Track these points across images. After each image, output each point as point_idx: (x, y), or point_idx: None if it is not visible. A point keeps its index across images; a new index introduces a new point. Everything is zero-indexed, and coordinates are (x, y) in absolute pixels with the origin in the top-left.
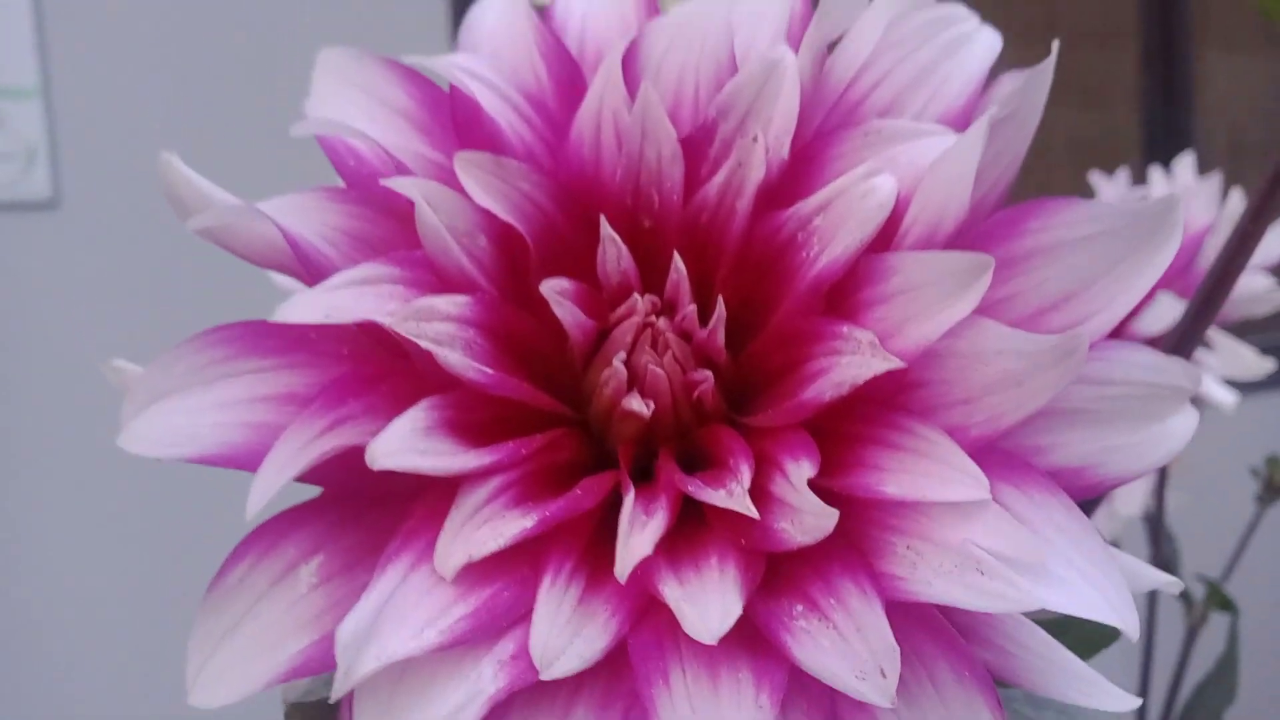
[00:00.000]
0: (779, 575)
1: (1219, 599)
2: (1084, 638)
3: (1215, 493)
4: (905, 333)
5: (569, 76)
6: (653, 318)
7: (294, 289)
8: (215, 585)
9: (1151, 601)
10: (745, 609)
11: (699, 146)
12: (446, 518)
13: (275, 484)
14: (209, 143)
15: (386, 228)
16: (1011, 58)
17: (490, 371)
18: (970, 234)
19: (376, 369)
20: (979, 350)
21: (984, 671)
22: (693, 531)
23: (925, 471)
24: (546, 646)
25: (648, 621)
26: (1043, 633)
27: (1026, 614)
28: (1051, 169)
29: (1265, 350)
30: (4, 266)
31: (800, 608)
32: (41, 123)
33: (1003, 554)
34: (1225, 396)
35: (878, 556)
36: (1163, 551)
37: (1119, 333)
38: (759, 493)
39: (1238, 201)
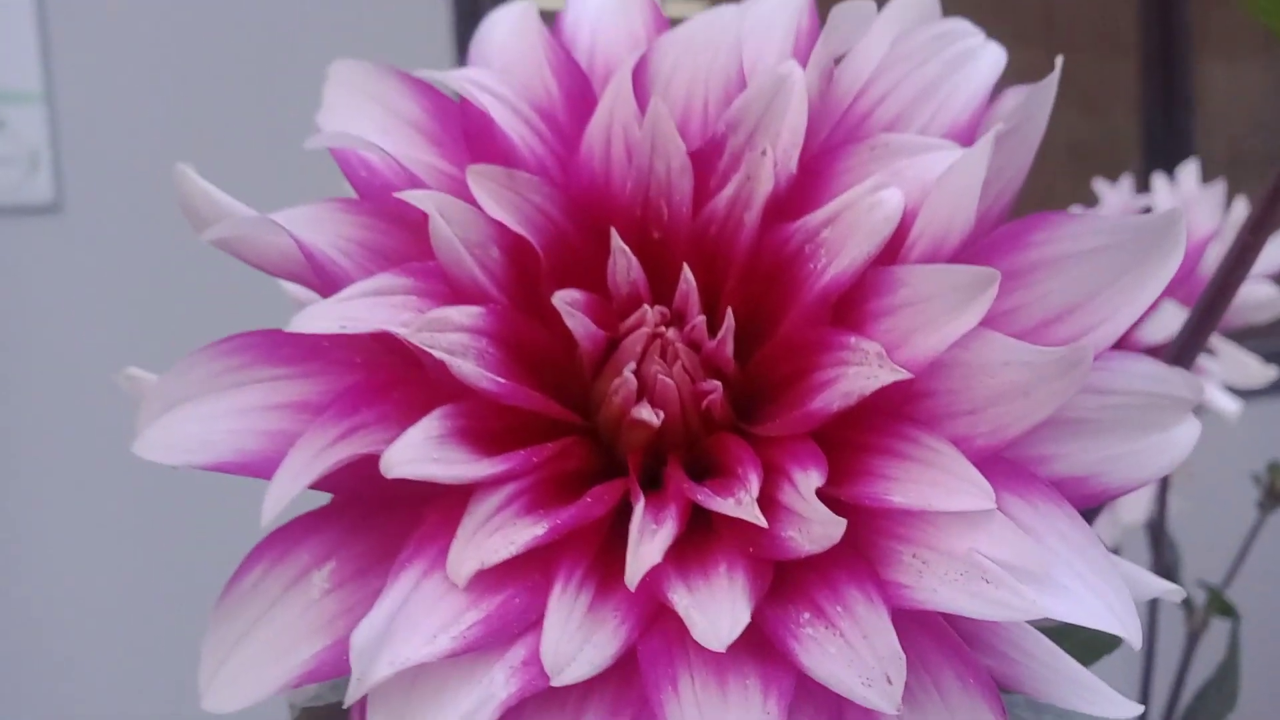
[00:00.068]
0: (786, 583)
1: (1220, 605)
2: (1085, 644)
3: (1217, 498)
4: (912, 344)
5: (579, 90)
6: (662, 328)
7: (305, 297)
8: (229, 591)
9: (1153, 607)
10: (753, 616)
11: (708, 160)
12: (459, 525)
13: (290, 492)
14: (212, 148)
15: (399, 238)
16: (1012, 62)
17: (502, 381)
18: (975, 246)
19: (389, 377)
20: (985, 361)
21: (988, 678)
22: (701, 539)
23: (932, 481)
24: (557, 653)
25: (657, 628)
26: (1046, 640)
27: (1030, 621)
28: (1052, 174)
29: (1267, 356)
30: (7, 270)
31: (807, 615)
32: (45, 127)
33: (1008, 563)
34: (1229, 405)
35: (884, 565)
36: (1164, 557)
37: (1123, 341)
38: (767, 501)
39: (1242, 210)
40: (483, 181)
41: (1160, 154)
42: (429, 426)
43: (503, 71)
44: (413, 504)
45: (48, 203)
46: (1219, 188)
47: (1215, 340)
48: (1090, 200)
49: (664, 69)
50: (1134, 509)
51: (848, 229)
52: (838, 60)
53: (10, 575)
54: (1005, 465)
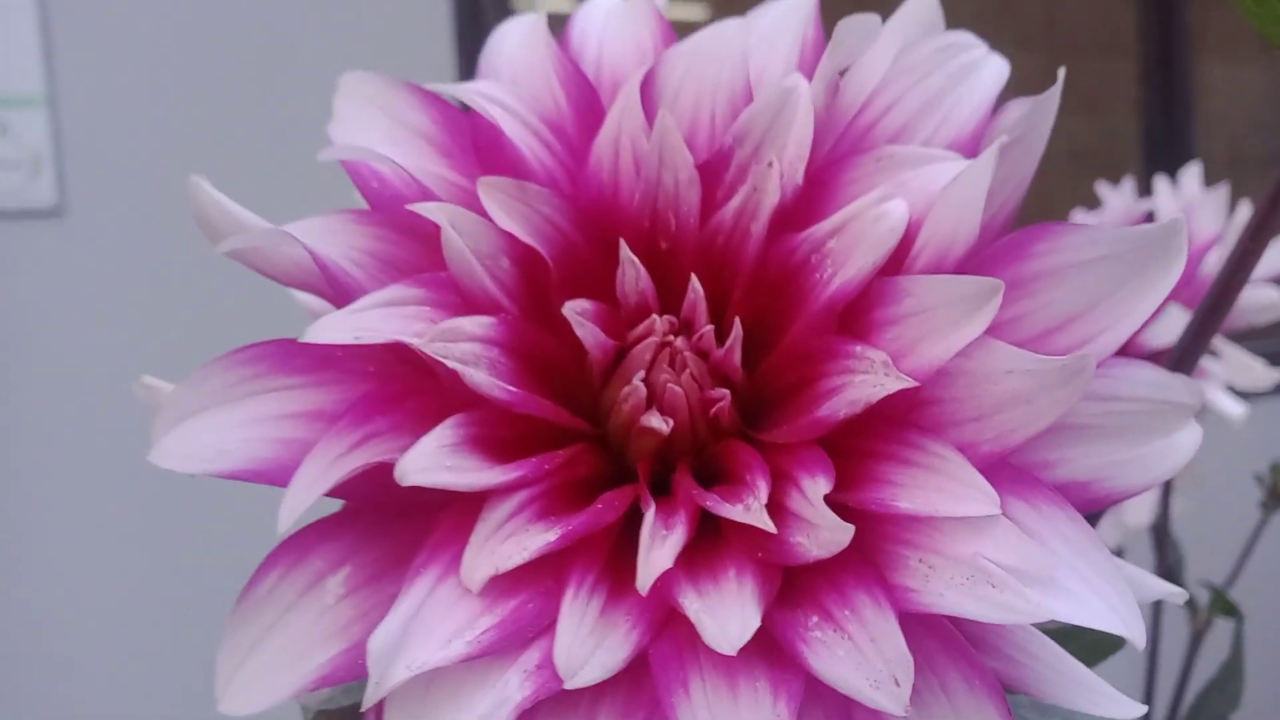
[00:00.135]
0: (795, 587)
1: (1223, 605)
2: (1090, 645)
3: (1219, 499)
4: (918, 353)
5: (587, 102)
6: (670, 337)
7: (319, 307)
8: (244, 596)
9: (1156, 607)
10: (762, 620)
11: (715, 171)
12: (472, 532)
13: (306, 499)
14: (214, 151)
15: (410, 249)
16: (1014, 67)
17: (514, 390)
18: (979, 256)
19: (402, 387)
20: (989, 370)
21: (994, 680)
22: (711, 545)
23: (937, 487)
24: (570, 657)
25: (668, 632)
26: (1051, 642)
27: (1035, 624)
28: (1053, 176)
29: (1269, 357)
30: (9, 274)
31: (816, 619)
32: (47, 131)
33: (1012, 567)
34: (1233, 408)
35: (891, 569)
36: (1167, 558)
37: (1127, 345)
38: (775, 507)
39: (1245, 214)
40: (493, 193)
41: (1160, 155)
42: (442, 435)
43: (511, 83)
44: (426, 511)
45: (50, 207)
46: (1222, 191)
47: (1219, 343)
48: (1091, 202)
49: (671, 82)
50: (1138, 512)
51: (853, 239)
52: (843, 73)
53: (10, 575)
54: (1009, 470)
